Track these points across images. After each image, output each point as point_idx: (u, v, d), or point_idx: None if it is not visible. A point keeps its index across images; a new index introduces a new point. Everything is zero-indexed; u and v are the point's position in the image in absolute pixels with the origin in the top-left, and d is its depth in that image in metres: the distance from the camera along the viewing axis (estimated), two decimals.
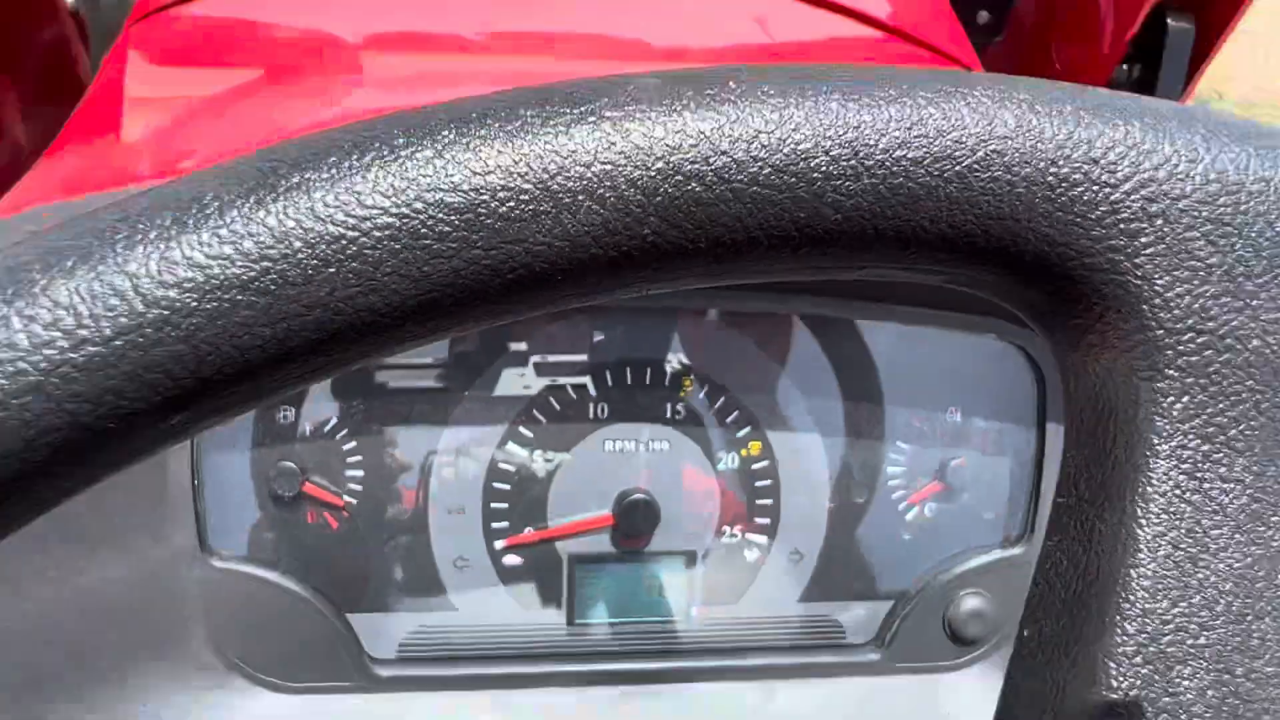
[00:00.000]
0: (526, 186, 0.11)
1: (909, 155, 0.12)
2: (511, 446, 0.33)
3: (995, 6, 0.60)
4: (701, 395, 0.35)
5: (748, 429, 0.35)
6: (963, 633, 0.35)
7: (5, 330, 0.10)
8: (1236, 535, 0.13)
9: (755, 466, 0.35)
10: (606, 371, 0.33)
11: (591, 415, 0.34)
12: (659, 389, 0.34)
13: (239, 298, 0.10)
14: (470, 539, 0.34)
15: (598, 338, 0.33)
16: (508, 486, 0.34)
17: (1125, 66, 0.53)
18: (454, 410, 0.33)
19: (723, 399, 0.35)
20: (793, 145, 0.12)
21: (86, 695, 0.30)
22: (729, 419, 0.35)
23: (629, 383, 0.34)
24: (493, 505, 0.34)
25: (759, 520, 0.36)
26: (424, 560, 0.34)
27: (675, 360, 0.34)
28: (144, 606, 0.30)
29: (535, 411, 0.33)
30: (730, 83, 0.12)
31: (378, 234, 0.11)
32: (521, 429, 0.33)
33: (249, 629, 0.31)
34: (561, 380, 0.33)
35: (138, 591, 0.30)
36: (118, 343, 0.10)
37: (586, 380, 0.33)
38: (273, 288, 0.10)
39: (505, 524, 0.34)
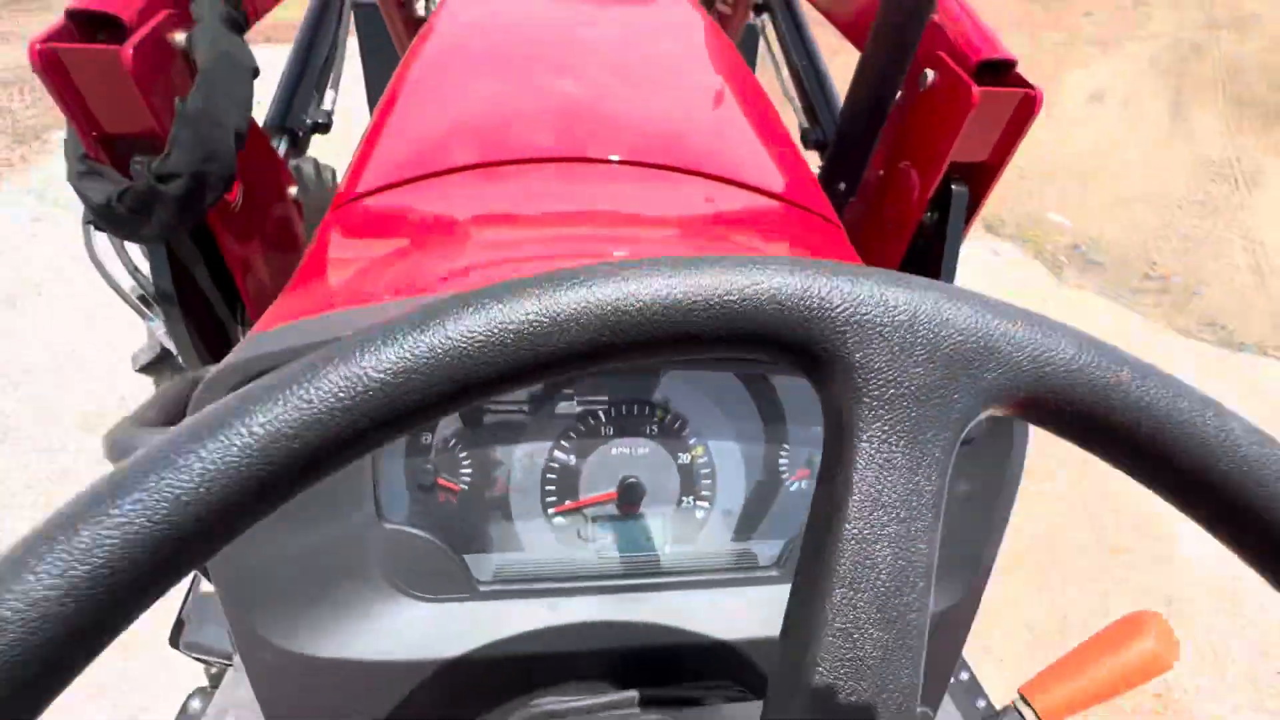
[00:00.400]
0: (544, 320, 0.19)
1: (731, 298, 0.19)
2: (558, 452, 0.48)
3: (849, 178, 0.83)
4: (668, 420, 0.50)
5: (695, 439, 0.50)
6: None
7: (287, 403, 0.17)
8: (901, 477, 0.20)
9: (700, 461, 0.50)
10: (614, 407, 0.49)
11: (604, 433, 0.49)
12: (644, 416, 0.49)
13: (409, 379, 0.18)
14: (534, 507, 0.48)
15: (610, 387, 0.48)
16: (555, 475, 0.48)
17: (929, 213, 0.80)
18: (525, 431, 0.47)
19: (680, 422, 0.49)
20: (673, 297, 0.19)
21: (312, 605, 0.41)
22: (684, 433, 0.49)
23: (626, 413, 0.49)
24: (547, 486, 0.48)
25: (704, 493, 0.51)
26: (506, 521, 0.48)
27: (654, 399, 0.49)
28: (345, 551, 0.42)
29: (572, 432, 0.48)
30: (643, 265, 0.20)
31: (473, 346, 0.18)
32: (564, 442, 0.48)
33: (405, 563, 0.44)
34: (587, 412, 0.48)
35: (342, 542, 0.42)
36: (349, 404, 0.17)
37: (602, 412, 0.49)
38: (425, 371, 0.18)
39: (554, 497, 0.48)
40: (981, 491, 0.43)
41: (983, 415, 0.21)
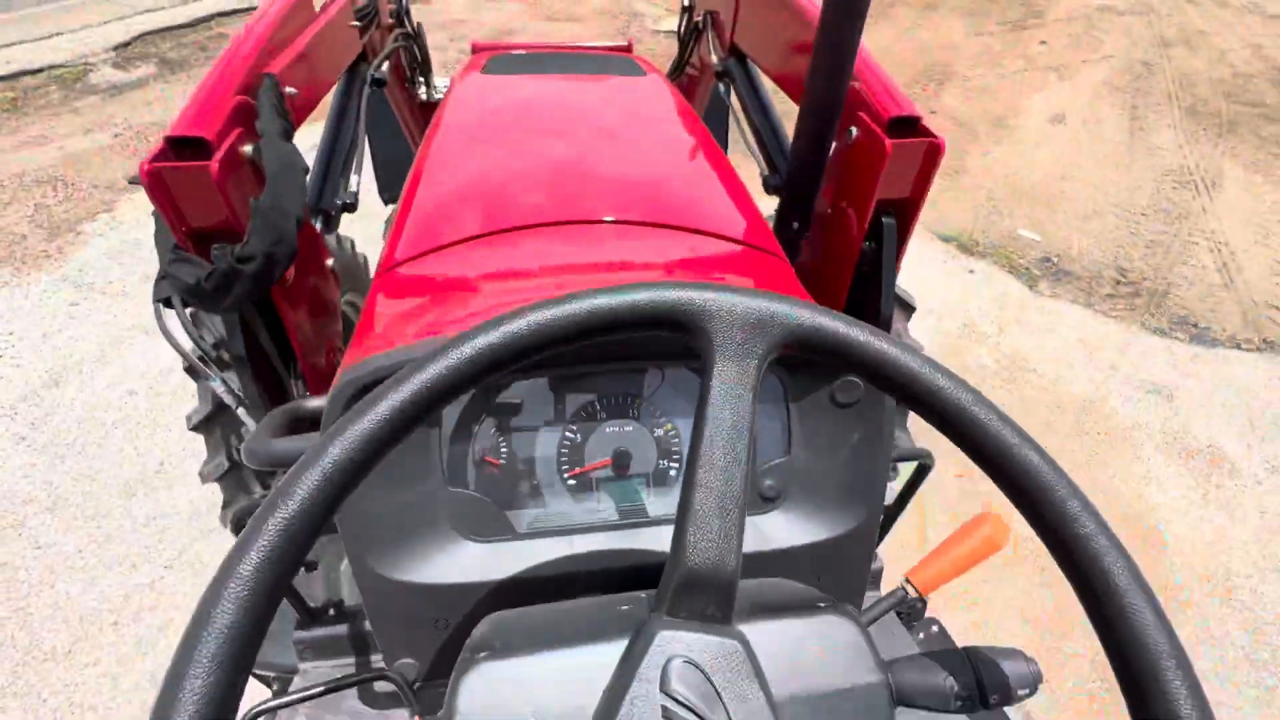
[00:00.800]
0: (559, 318, 0.35)
1: (651, 303, 0.35)
2: (567, 433, 0.61)
3: (800, 218, 0.98)
4: (645, 405, 0.63)
5: (665, 418, 0.63)
6: (767, 496, 0.61)
7: (395, 399, 0.32)
8: (732, 385, 0.34)
9: (671, 434, 0.63)
10: (606, 398, 0.62)
11: (600, 417, 0.62)
12: (628, 404, 0.62)
13: (462, 374, 0.33)
14: (553, 473, 0.61)
15: (602, 384, 0.62)
16: (567, 450, 0.61)
17: (868, 243, 0.94)
18: (543, 420, 0.60)
19: (654, 406, 0.62)
20: (625, 304, 0.35)
21: (404, 546, 0.53)
22: (658, 414, 0.63)
23: (615, 402, 0.62)
24: (561, 458, 0.61)
25: (675, 457, 0.62)
26: (534, 484, 0.60)
27: (634, 391, 0.62)
28: (424, 508, 0.55)
29: (577, 418, 0.61)
30: (613, 290, 0.36)
31: (521, 333, 0.34)
32: (571, 425, 0.61)
33: (465, 516, 0.57)
34: (587, 403, 0.62)
35: (422, 502, 0.55)
36: (422, 394, 0.33)
37: (598, 402, 0.62)
38: (468, 364, 0.33)
39: (567, 466, 0.61)
40: (868, 441, 0.57)
41: (773, 355, 0.35)
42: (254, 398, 0.92)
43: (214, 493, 1.95)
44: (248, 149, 0.79)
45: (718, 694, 0.29)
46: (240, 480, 1.31)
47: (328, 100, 1.30)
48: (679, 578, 0.32)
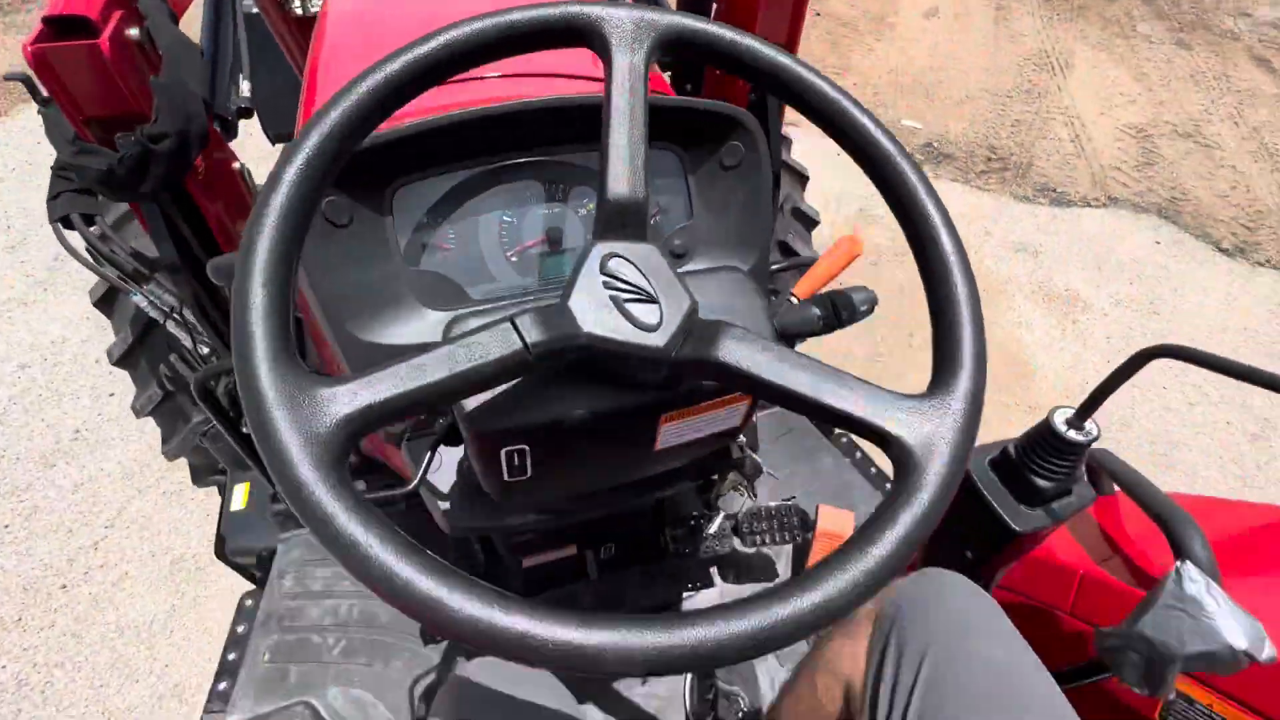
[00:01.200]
0: (475, 31, 0.44)
1: (556, 15, 0.45)
2: (505, 217, 0.67)
3: (693, 80, 1.06)
4: (570, 188, 0.69)
5: (587, 199, 0.69)
6: (677, 253, 0.70)
7: (378, 76, 0.41)
8: (626, 69, 0.45)
9: (592, 211, 0.67)
10: (539, 186, 0.68)
11: (532, 201, 0.68)
12: (555, 188, 0.68)
13: (424, 63, 0.42)
14: (497, 252, 0.67)
15: (534, 176, 0.68)
16: (506, 231, 0.67)
17: (753, 94, 1.04)
18: (482, 208, 0.66)
19: (578, 189, 0.69)
20: (533, 17, 0.44)
21: (376, 314, 0.60)
22: (582, 198, 0.69)
23: (544, 188, 0.68)
24: (503, 238, 0.67)
25: None
26: (482, 262, 0.67)
27: (561, 180, 0.69)
28: (391, 284, 0.61)
29: (511, 203, 0.67)
30: (513, 8, 0.45)
31: (448, 45, 0.42)
32: (508, 210, 0.67)
33: (426, 290, 0.63)
34: (519, 189, 0.68)
35: (388, 278, 0.60)
36: (387, 80, 0.41)
37: (528, 189, 0.68)
38: (426, 57, 0.42)
39: (508, 244, 0.67)
40: (753, 195, 0.67)
41: (658, 51, 0.44)
42: (188, 296, 0.93)
43: (148, 449, 1.89)
44: (134, 32, 0.78)
45: (641, 272, 0.40)
46: (178, 409, 1.30)
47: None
48: (604, 209, 0.41)
